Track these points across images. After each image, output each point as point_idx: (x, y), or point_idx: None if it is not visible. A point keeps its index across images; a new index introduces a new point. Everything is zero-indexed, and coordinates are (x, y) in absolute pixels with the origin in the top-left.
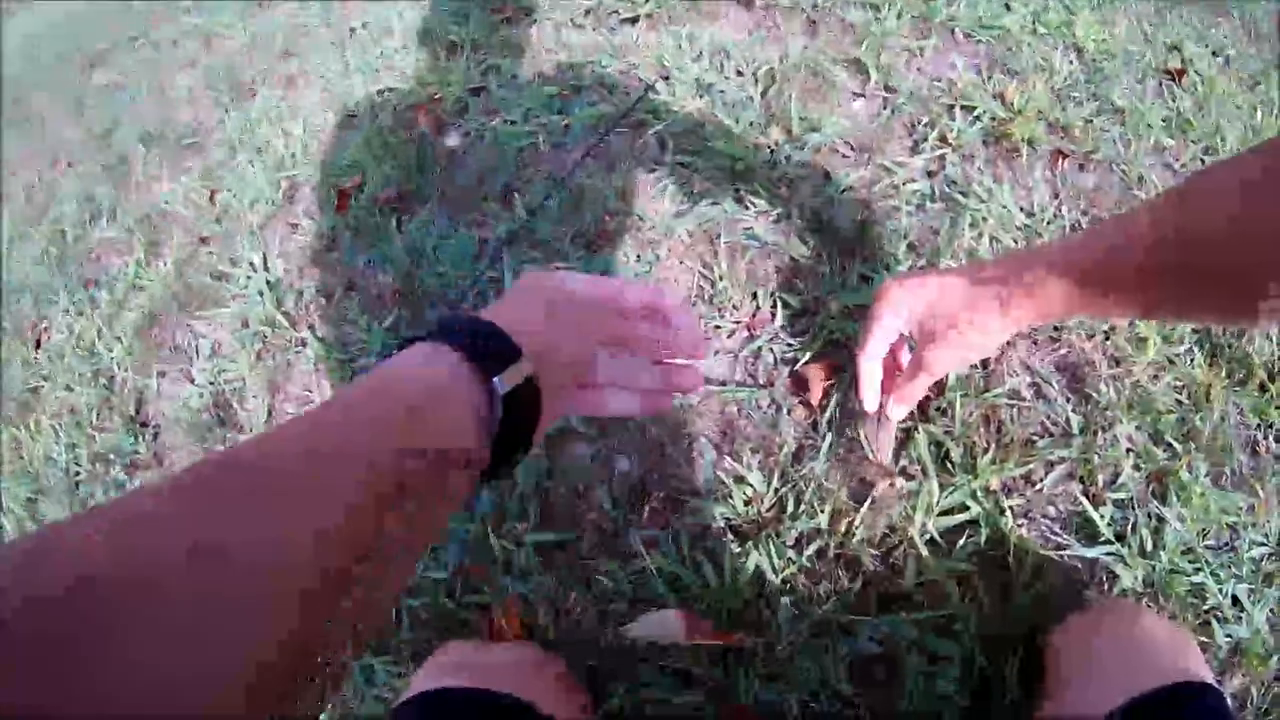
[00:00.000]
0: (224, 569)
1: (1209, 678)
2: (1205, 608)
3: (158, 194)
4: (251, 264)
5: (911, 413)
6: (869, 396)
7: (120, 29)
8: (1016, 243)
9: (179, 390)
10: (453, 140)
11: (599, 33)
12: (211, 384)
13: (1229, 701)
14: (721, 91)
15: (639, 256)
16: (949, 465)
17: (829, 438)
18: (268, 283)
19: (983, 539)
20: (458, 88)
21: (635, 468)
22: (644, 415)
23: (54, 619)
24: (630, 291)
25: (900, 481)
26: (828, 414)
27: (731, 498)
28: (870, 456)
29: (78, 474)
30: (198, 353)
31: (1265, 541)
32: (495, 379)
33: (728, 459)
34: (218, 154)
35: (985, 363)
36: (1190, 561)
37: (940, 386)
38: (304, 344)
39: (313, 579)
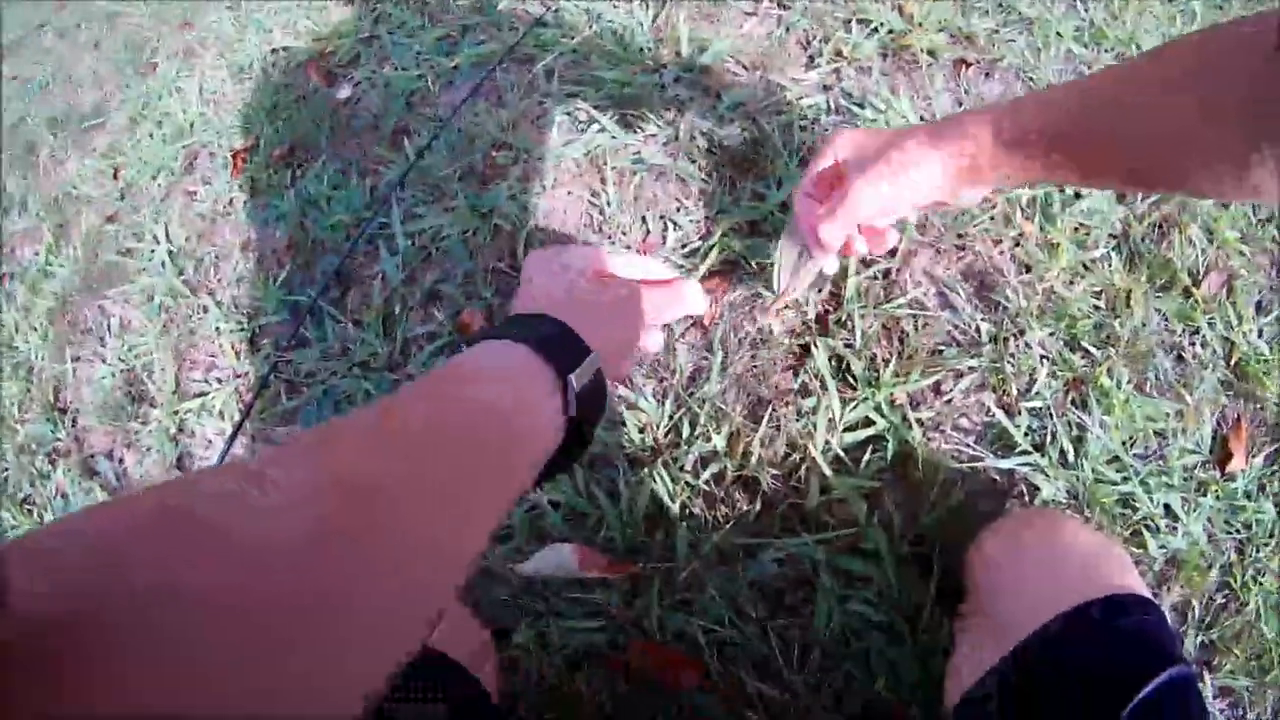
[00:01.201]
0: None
1: (1141, 588)
2: (1136, 518)
3: (65, 177)
4: (155, 237)
5: (808, 326)
6: (799, 225)
7: (30, 19)
8: None
9: (92, 372)
10: (344, 91)
11: None
12: (122, 361)
13: (1167, 615)
14: (610, 20)
15: (525, 188)
16: (850, 379)
17: (720, 355)
18: (169, 253)
19: (890, 454)
20: (350, 39)
21: None
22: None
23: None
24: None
25: (789, 314)
26: (720, 331)
27: (625, 425)
28: (775, 284)
29: (5, 468)
30: (109, 332)
31: (1197, 449)
32: (570, 377)
33: (620, 386)
34: (121, 131)
35: (886, 272)
36: (1117, 471)
37: (838, 298)
38: (205, 310)
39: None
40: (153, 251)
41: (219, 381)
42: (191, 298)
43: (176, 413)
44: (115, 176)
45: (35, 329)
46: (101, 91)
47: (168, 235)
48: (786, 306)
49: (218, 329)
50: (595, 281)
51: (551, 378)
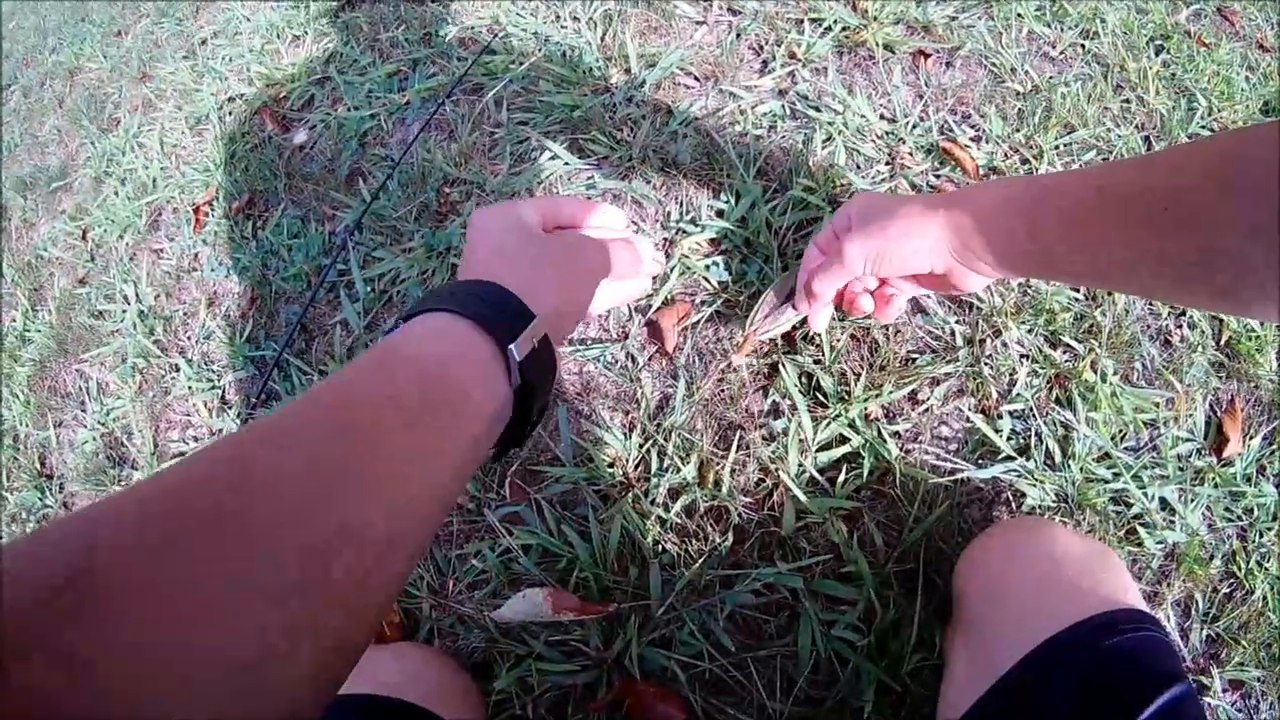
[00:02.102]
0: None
1: (1135, 597)
2: (1130, 516)
3: (36, 241)
4: (125, 297)
5: (774, 343)
6: (805, 264)
7: None
8: (878, 151)
9: (74, 436)
10: (300, 136)
11: (438, 2)
12: (101, 425)
13: (1166, 619)
14: (558, 42)
15: None
16: (821, 397)
17: (685, 381)
18: (140, 314)
19: (866, 471)
20: (302, 81)
21: None
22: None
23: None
24: (567, 205)
25: (750, 360)
26: (684, 357)
27: (593, 461)
28: (745, 325)
29: None
30: (88, 395)
31: (1191, 436)
32: (511, 347)
33: (584, 421)
34: (87, 191)
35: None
36: (1108, 468)
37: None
38: (177, 369)
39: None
40: (124, 312)
41: (195, 440)
42: (163, 357)
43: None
44: (84, 238)
45: (18, 396)
46: (67, 150)
47: (137, 295)
48: (753, 349)
49: (190, 388)
50: (544, 235)
51: (491, 350)
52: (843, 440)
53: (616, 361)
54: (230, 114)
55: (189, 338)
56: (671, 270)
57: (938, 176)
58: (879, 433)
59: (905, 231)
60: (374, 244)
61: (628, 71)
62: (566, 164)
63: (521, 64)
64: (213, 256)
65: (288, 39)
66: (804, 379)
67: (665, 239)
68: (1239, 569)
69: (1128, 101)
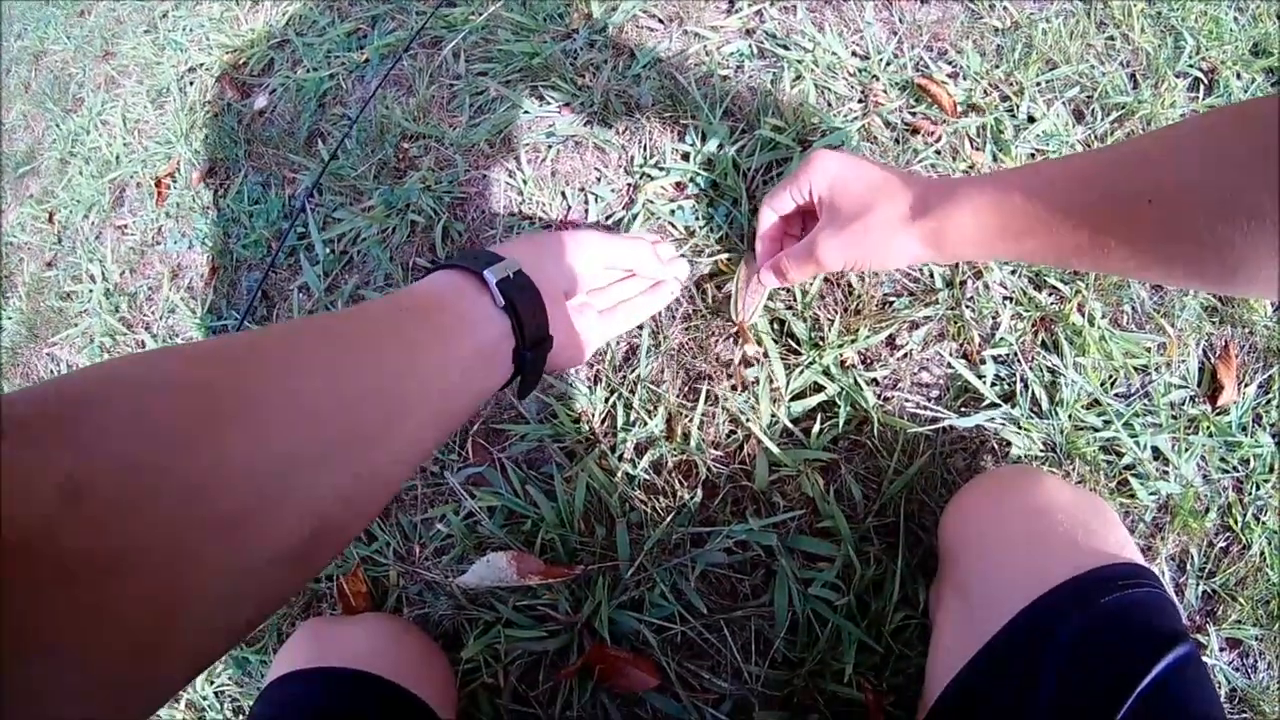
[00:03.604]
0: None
1: (1131, 550)
2: (1122, 465)
3: (4, 227)
4: (91, 276)
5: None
6: (759, 232)
7: None
8: (850, 89)
9: None
10: (260, 101)
11: None
12: None
13: (1162, 575)
14: None
15: (439, 178)
16: (794, 344)
17: (649, 329)
18: (106, 292)
19: (842, 421)
20: (261, 46)
21: None
22: (642, 320)
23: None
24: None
25: (752, 347)
26: None
27: (558, 417)
28: (733, 314)
29: None
30: None
31: (1184, 383)
32: (485, 271)
33: (547, 376)
34: (53, 173)
35: None
36: (1097, 415)
37: None
38: (142, 345)
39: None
40: (90, 292)
41: None
42: (128, 334)
43: None
44: (50, 220)
45: None
46: (34, 134)
47: (103, 274)
48: (746, 337)
49: None
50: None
51: (475, 281)
52: (817, 389)
53: None
54: (191, 84)
55: (154, 313)
56: (635, 216)
57: (913, 114)
58: (855, 380)
59: (885, 244)
60: (334, 204)
61: (589, 16)
62: (526, 113)
63: (480, 14)
64: (175, 229)
65: (246, 5)
66: (775, 324)
67: (629, 184)
68: (1235, 522)
69: (1111, 39)
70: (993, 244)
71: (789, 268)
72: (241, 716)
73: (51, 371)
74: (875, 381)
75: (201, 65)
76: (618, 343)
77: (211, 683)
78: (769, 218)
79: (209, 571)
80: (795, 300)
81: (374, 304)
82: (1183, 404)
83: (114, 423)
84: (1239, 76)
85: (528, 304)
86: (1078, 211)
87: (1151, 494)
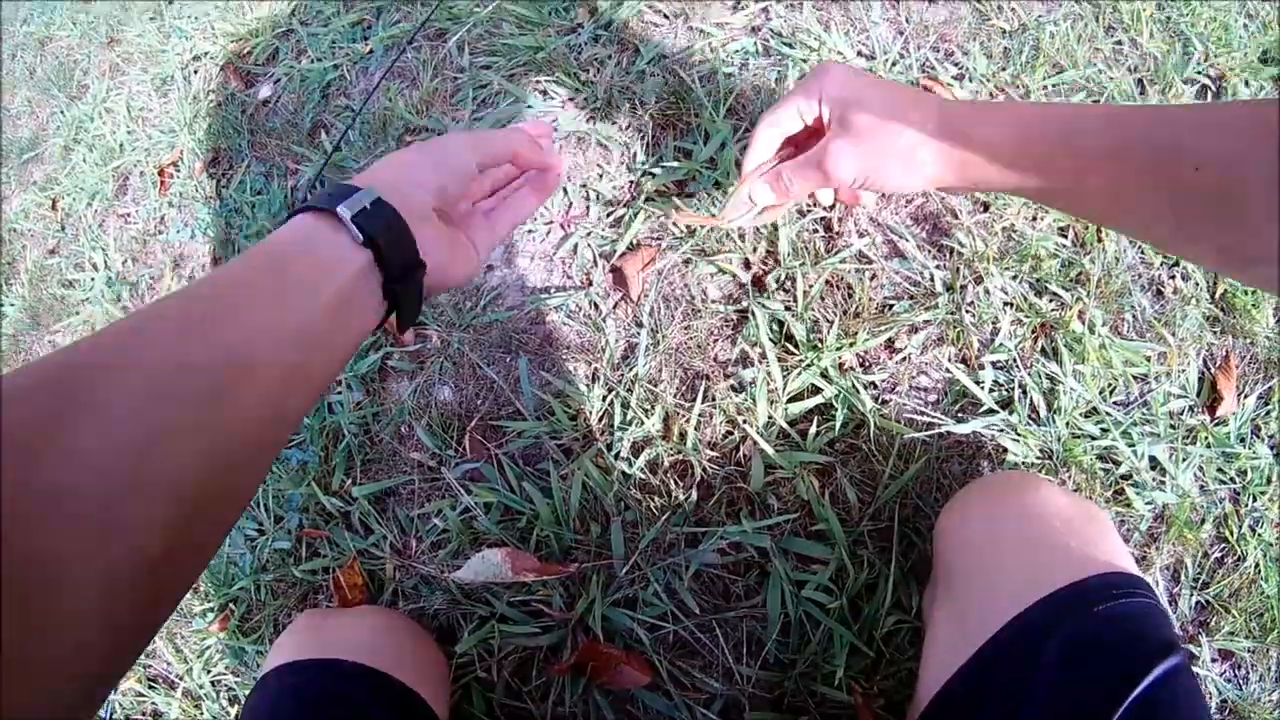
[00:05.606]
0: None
1: (1125, 559)
2: (1119, 474)
3: (8, 214)
4: (94, 264)
5: (745, 289)
6: (750, 158)
7: None
8: None
9: None
10: (264, 91)
11: None
12: None
13: (1156, 585)
14: None
15: None
16: (792, 345)
17: (650, 328)
18: (108, 280)
19: (839, 424)
20: (266, 35)
21: (454, 395)
22: (529, 215)
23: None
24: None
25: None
26: (649, 305)
27: (555, 415)
28: (715, 215)
29: None
30: None
31: (1183, 393)
32: (339, 208)
33: (546, 373)
34: (57, 160)
35: (826, 224)
36: (1095, 423)
37: (775, 256)
38: None
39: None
40: (92, 280)
41: None
42: None
43: None
44: (54, 208)
45: None
46: (38, 121)
47: (105, 262)
48: (722, 229)
49: None
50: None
51: (331, 221)
52: (815, 391)
53: (580, 310)
54: (196, 73)
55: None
56: (637, 214)
57: None
58: (853, 383)
59: (903, 160)
60: None
61: (594, 11)
62: (529, 107)
63: (485, 7)
64: (178, 218)
65: None
66: (774, 326)
67: (631, 181)
68: (1230, 534)
69: (1119, 43)
70: (1022, 172)
71: (792, 178)
72: (238, 706)
73: None
74: (873, 385)
75: (206, 54)
76: (616, 340)
77: (208, 672)
78: (768, 137)
79: (81, 574)
80: (794, 302)
81: (234, 263)
82: (1181, 414)
83: None
84: (1247, 84)
85: (389, 234)
86: (1111, 153)
87: (1148, 504)
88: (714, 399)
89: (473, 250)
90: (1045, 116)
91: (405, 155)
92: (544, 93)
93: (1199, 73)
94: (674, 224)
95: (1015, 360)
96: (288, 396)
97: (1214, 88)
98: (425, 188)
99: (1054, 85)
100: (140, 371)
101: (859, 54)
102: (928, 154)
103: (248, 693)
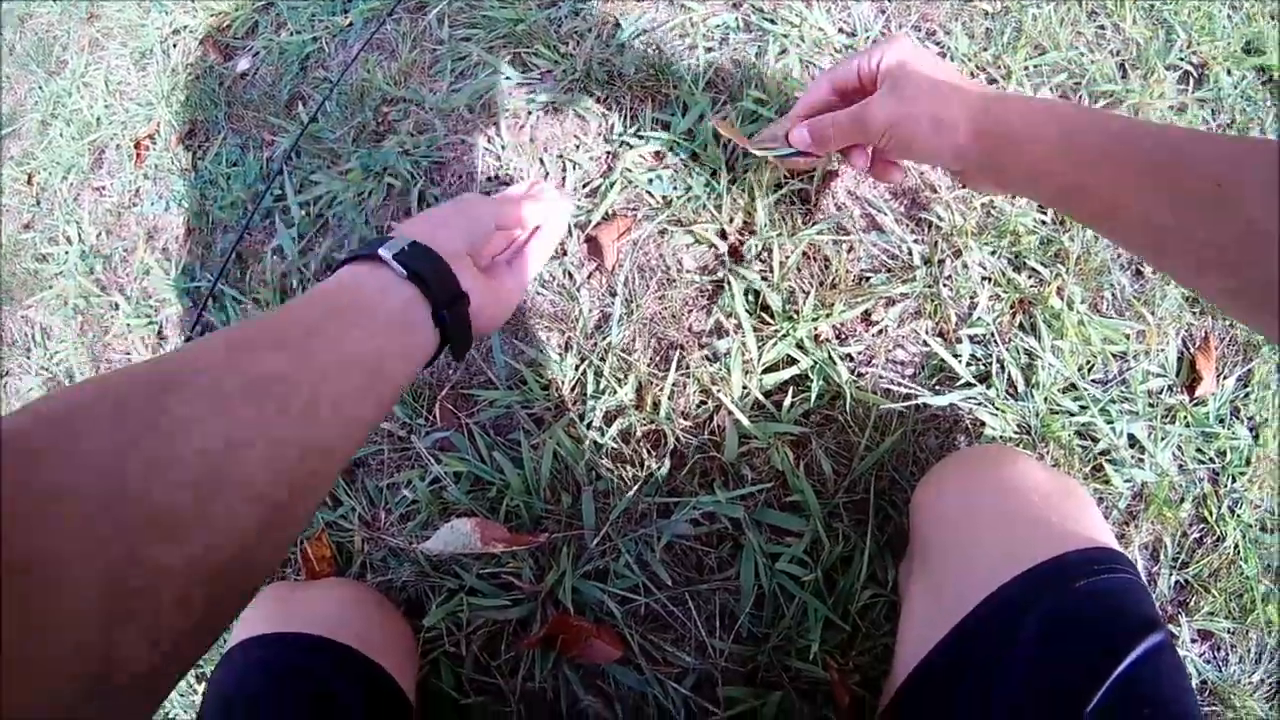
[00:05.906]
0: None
1: (1105, 534)
2: (1097, 451)
3: None
4: (68, 238)
5: (721, 260)
6: (803, 100)
7: None
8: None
9: (20, 384)
10: (243, 64)
11: None
12: (45, 369)
13: (1136, 561)
14: None
15: (417, 142)
16: (768, 315)
17: (624, 296)
18: (81, 254)
19: (815, 395)
20: (246, 8)
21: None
22: (549, 255)
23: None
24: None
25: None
26: (624, 274)
27: (527, 384)
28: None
29: None
30: (34, 342)
31: (1162, 372)
32: (379, 250)
33: (519, 342)
34: (33, 135)
35: (804, 195)
36: (1073, 400)
37: (751, 226)
38: (116, 308)
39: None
40: (65, 254)
41: None
42: (102, 296)
43: None
44: (30, 182)
45: None
46: (16, 96)
47: (79, 235)
48: (753, 154)
49: (129, 325)
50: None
51: (372, 264)
52: (790, 362)
53: (554, 279)
54: (174, 47)
55: (128, 274)
56: (613, 184)
57: None
58: (829, 355)
59: (937, 125)
60: (311, 168)
61: None
62: (507, 79)
63: None
64: (152, 190)
65: None
66: (750, 296)
67: (608, 152)
68: (1210, 514)
69: (1102, 28)
70: (1052, 173)
71: (831, 126)
72: (204, 682)
73: (26, 334)
74: (849, 357)
75: (185, 27)
76: (590, 309)
77: None
78: (822, 87)
79: (153, 573)
80: (771, 272)
81: (289, 303)
82: (1160, 393)
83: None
84: (1229, 73)
85: (429, 267)
86: (1136, 157)
87: (1126, 481)
88: (688, 369)
89: (500, 294)
90: (1094, 120)
91: (432, 212)
92: (523, 65)
93: (1181, 59)
94: (714, 126)
95: (993, 335)
96: (360, 410)
97: (1196, 75)
98: (454, 236)
99: (1035, 66)
100: (221, 379)
101: (839, 30)
102: (962, 120)
103: (212, 669)
